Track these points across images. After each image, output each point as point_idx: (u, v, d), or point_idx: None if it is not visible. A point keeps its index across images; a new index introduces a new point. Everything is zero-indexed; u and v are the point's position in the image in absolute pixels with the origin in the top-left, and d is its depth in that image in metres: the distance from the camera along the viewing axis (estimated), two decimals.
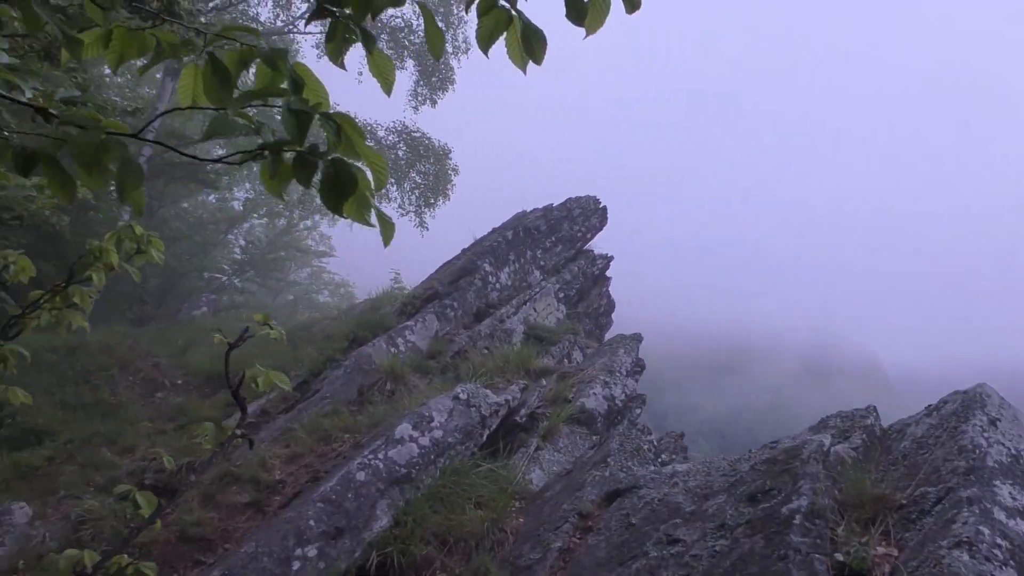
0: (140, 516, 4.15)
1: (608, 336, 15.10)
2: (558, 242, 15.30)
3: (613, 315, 16.10)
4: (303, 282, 38.87)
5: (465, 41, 27.27)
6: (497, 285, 13.70)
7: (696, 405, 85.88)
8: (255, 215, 32.62)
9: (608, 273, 16.15)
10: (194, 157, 2.59)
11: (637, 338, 12.00)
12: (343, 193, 2.10)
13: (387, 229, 2.21)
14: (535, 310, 13.20)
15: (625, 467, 7.26)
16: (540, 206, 16.09)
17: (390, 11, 26.56)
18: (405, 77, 27.82)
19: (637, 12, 2.54)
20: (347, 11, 2.47)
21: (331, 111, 2.23)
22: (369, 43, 2.47)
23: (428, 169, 27.32)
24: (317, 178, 2.27)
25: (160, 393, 13.61)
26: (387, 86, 2.64)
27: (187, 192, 26.99)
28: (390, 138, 27.15)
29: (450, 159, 27.59)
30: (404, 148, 27.20)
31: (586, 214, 16.01)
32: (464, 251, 15.15)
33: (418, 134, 27.13)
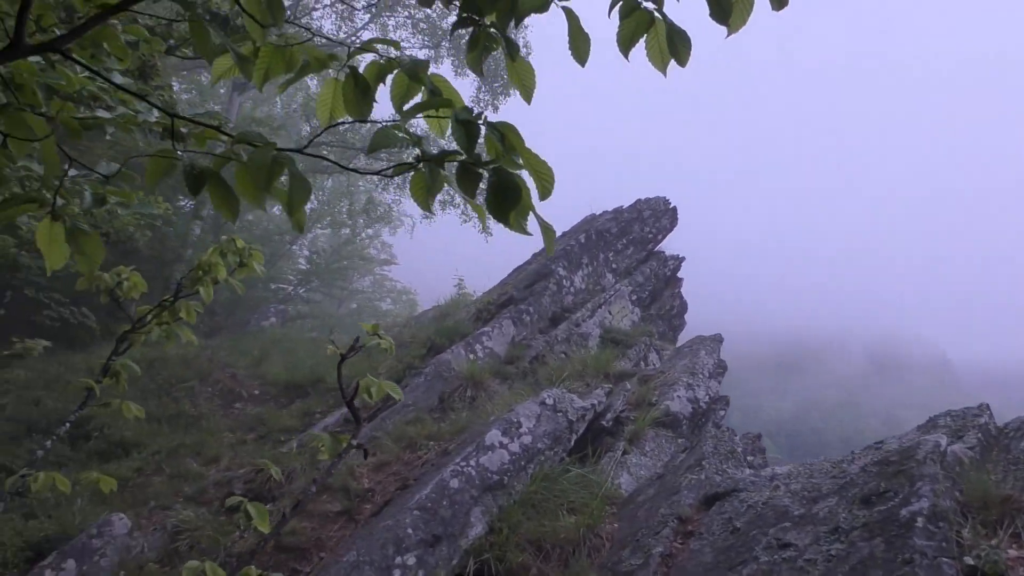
0: (253, 527, 4.18)
1: (681, 337, 14.97)
2: (629, 244, 15.19)
3: (685, 316, 15.94)
4: (366, 290, 39.29)
5: (526, 46, 27.25)
6: (571, 289, 13.65)
7: (762, 405, 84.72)
8: (319, 225, 33.05)
9: (679, 274, 16.00)
10: (355, 170, 2.60)
11: (718, 339, 11.83)
12: (506, 202, 2.08)
13: (549, 236, 2.18)
14: (610, 313, 13.11)
15: (720, 470, 7.14)
16: (609, 208, 16.02)
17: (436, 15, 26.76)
18: (466, 84, 27.95)
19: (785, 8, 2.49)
20: (488, 20, 2.46)
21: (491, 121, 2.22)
22: (513, 51, 2.45)
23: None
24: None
25: (238, 404, 13.84)
26: (527, 93, 2.62)
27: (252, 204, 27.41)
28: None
29: None
30: None
31: (656, 215, 15.87)
32: (535, 255, 15.13)
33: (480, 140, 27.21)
